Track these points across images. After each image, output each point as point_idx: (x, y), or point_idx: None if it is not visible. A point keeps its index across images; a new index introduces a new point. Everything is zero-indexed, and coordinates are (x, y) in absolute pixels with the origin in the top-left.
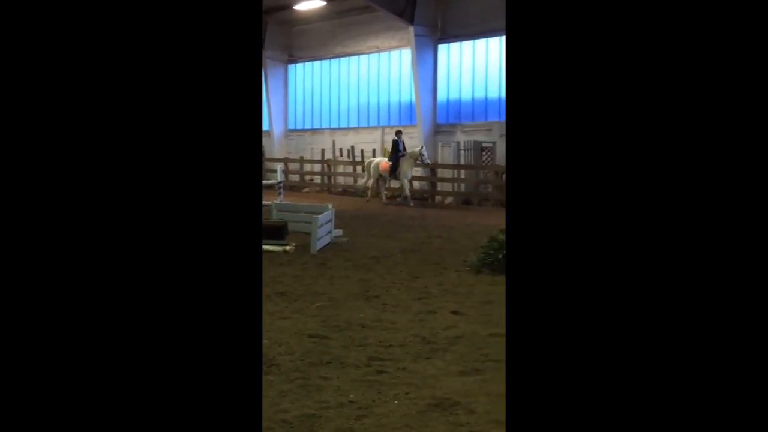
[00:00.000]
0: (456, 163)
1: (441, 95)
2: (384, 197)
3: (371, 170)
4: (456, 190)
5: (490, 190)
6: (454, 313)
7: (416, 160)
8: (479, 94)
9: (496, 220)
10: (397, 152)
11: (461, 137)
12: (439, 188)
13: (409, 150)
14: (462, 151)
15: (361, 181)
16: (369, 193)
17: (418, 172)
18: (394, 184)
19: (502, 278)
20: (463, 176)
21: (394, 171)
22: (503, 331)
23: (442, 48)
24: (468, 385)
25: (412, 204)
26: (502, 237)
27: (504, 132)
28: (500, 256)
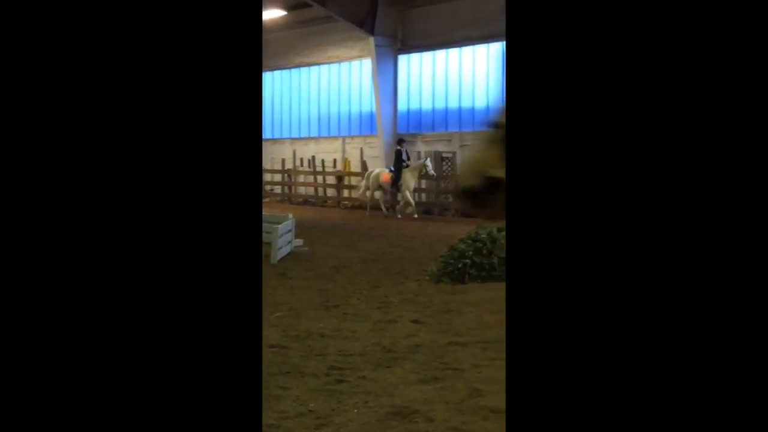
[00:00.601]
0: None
1: (401, 105)
2: (385, 209)
3: (370, 181)
4: (417, 200)
5: (450, 200)
6: (414, 322)
7: (420, 171)
8: (439, 105)
9: (456, 230)
10: (400, 163)
11: (422, 147)
12: (399, 198)
13: (413, 161)
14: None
15: (357, 193)
16: (369, 205)
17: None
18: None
19: (461, 287)
20: (424, 186)
21: (396, 183)
22: (463, 339)
23: (402, 59)
24: (427, 393)
25: (416, 216)
26: (462, 246)
27: (464, 142)
28: (460, 266)
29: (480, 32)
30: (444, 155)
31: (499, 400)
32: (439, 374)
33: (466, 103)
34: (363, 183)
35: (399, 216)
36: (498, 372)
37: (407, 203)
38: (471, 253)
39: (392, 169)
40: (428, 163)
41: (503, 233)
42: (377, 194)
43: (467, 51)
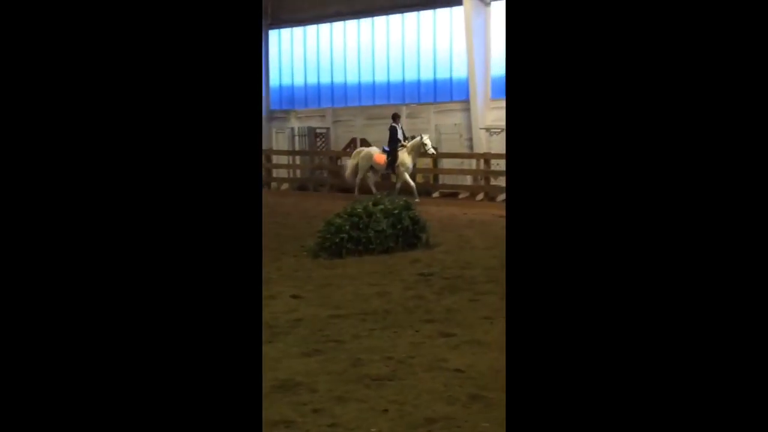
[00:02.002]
0: (291, 149)
1: (273, 81)
2: (357, 188)
3: (360, 162)
4: (291, 176)
5: (325, 175)
6: (294, 297)
7: (419, 150)
8: (312, 80)
9: (332, 206)
10: (395, 141)
11: (295, 123)
12: (274, 174)
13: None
14: (296, 137)
15: (345, 173)
16: (357, 189)
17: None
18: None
19: (339, 261)
20: (298, 162)
21: (392, 164)
22: (343, 312)
23: (273, 34)
24: (310, 365)
25: (418, 200)
26: (339, 221)
27: (337, 118)
28: (337, 240)
29: (350, 7)
30: (318, 131)
31: (379, 368)
32: (321, 347)
33: (339, 79)
34: (349, 163)
35: (417, 200)
36: (378, 341)
37: (406, 186)
38: (347, 227)
39: (386, 148)
40: (426, 140)
41: (379, 207)
42: (369, 176)
43: (338, 26)
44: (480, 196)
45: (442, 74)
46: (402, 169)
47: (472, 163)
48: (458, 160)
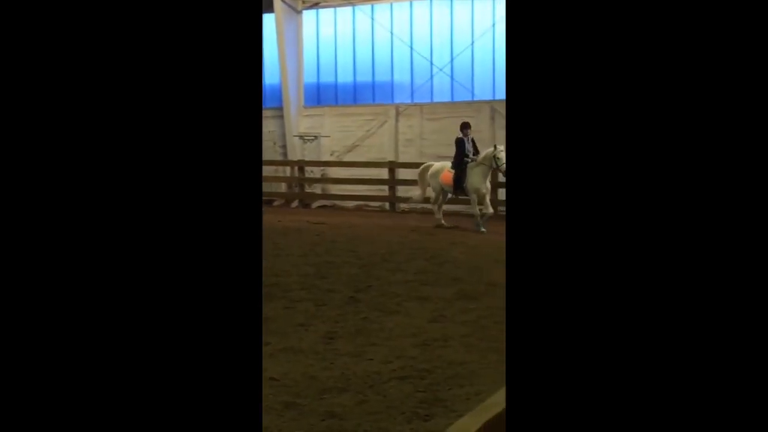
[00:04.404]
0: None
1: None
2: (440, 216)
3: (429, 180)
4: None
5: None
6: None
7: (491, 166)
8: None
9: None
10: (462, 156)
11: None
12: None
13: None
14: None
15: (414, 194)
16: (439, 212)
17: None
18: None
19: None
20: None
21: (459, 184)
22: None
23: None
24: None
25: (484, 230)
26: None
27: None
28: None
29: None
30: None
31: None
32: None
33: None
34: (419, 184)
35: (482, 229)
36: None
37: (484, 210)
38: None
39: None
40: (499, 153)
41: None
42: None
43: None
44: (295, 204)
45: None
46: (471, 190)
47: (287, 171)
48: (272, 168)
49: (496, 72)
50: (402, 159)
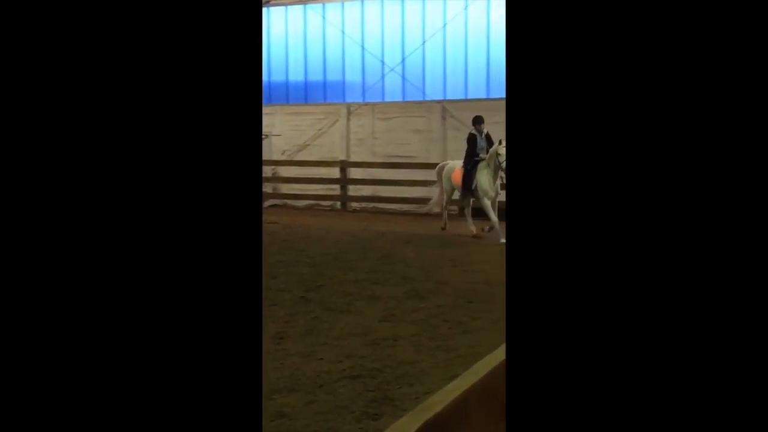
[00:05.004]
0: None
1: None
2: (445, 220)
3: (443, 180)
4: None
5: None
6: None
7: (497, 164)
8: None
9: None
10: (473, 154)
11: None
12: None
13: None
14: None
15: (432, 194)
16: (444, 214)
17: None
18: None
19: None
20: None
21: (468, 185)
22: None
23: None
24: None
25: (503, 240)
26: None
27: None
28: None
29: None
30: None
31: None
32: None
33: None
34: (437, 183)
35: (501, 240)
36: None
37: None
38: None
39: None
40: (501, 150)
41: None
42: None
43: None
44: None
45: None
46: (480, 193)
47: None
48: None
49: (447, 72)
50: (353, 158)
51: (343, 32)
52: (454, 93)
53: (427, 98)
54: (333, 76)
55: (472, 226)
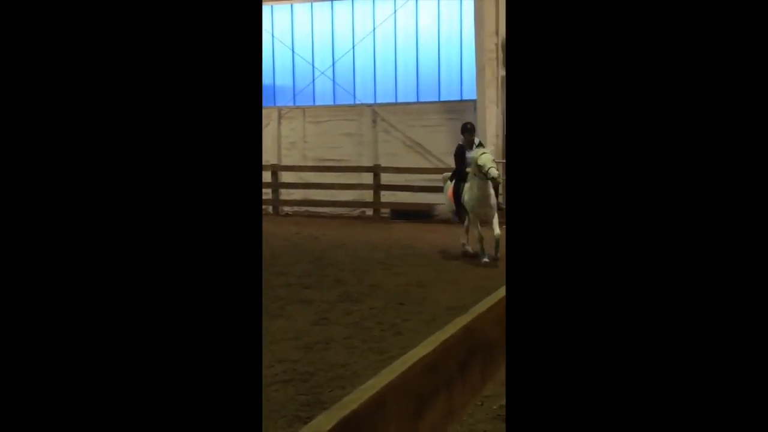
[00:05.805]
0: None
1: None
2: (465, 244)
3: (444, 198)
4: None
5: None
6: None
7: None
8: None
9: None
10: (463, 167)
11: None
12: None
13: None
14: None
15: (442, 209)
16: (475, 239)
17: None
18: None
19: None
20: None
21: (459, 202)
22: None
23: None
24: None
25: (486, 260)
26: None
27: None
28: None
29: None
30: None
31: None
32: None
33: None
34: (445, 197)
35: (485, 259)
36: None
37: (474, 238)
38: None
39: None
40: (482, 158)
41: None
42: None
43: None
44: None
45: None
46: (469, 211)
47: None
48: None
49: (377, 76)
50: (284, 162)
51: (272, 35)
52: (384, 96)
53: (357, 102)
54: (263, 79)
55: (469, 246)
